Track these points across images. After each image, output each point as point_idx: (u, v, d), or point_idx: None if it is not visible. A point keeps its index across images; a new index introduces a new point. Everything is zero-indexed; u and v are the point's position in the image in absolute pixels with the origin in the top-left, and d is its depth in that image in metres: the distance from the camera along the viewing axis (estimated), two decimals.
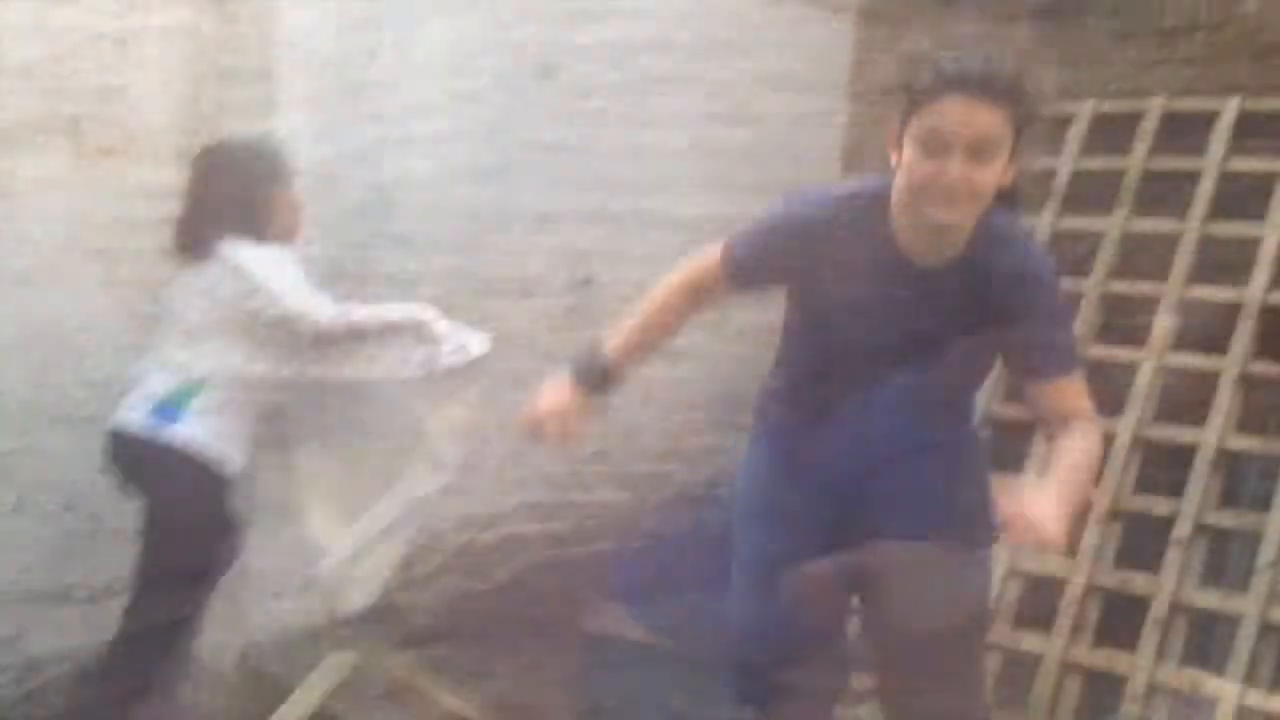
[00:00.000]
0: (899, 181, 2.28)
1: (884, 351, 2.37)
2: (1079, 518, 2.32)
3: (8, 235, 3.55)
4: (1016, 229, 2.39)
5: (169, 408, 3.21)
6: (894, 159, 2.30)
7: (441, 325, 3.29)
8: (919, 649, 2.46)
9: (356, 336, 3.23)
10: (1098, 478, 2.44)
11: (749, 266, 2.47)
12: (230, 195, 3.28)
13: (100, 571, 3.72)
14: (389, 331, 3.25)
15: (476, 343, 3.31)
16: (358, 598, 3.47)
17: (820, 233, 2.37)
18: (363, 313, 3.25)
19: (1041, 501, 2.11)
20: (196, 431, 3.20)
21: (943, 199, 2.20)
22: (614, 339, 2.59)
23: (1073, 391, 2.36)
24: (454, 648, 4.02)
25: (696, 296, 2.55)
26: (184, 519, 3.24)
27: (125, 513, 3.74)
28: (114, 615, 3.69)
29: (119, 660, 3.27)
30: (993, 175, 2.22)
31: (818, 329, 2.46)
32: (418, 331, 3.26)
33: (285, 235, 3.34)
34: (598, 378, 2.56)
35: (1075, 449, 2.30)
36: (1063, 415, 2.34)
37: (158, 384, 3.25)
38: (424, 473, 3.35)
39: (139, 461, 3.25)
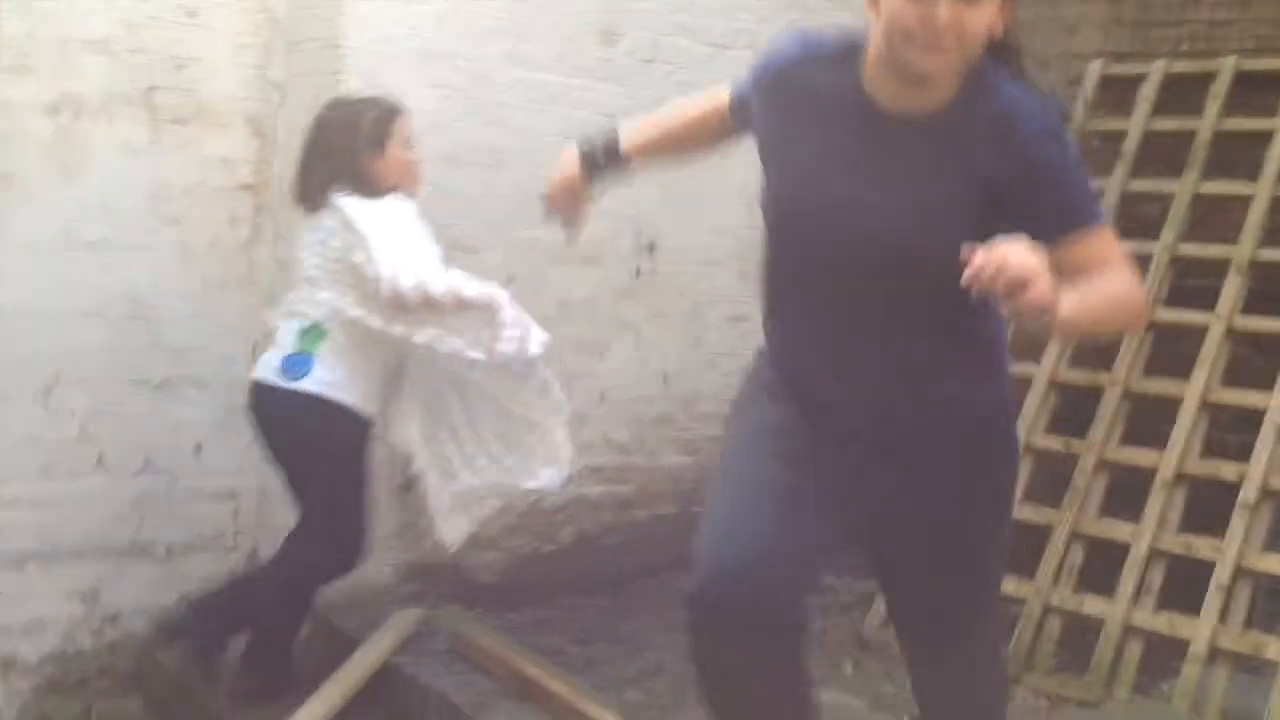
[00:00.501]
0: (879, 29, 2.11)
1: (861, 233, 2.15)
2: (1083, 317, 2.00)
3: (85, 204, 3.66)
4: (1008, 78, 2.15)
5: (299, 356, 3.36)
6: (871, 10, 2.13)
7: (509, 313, 3.32)
8: (941, 582, 2.37)
9: (433, 309, 3.30)
10: (1123, 314, 2.15)
11: (740, 105, 2.40)
12: (339, 149, 3.40)
13: (176, 529, 3.85)
14: (463, 308, 3.31)
15: (535, 340, 3.35)
16: (459, 529, 3.58)
17: (791, 82, 2.25)
18: (441, 287, 3.29)
19: (1027, 252, 1.86)
20: (327, 377, 3.34)
21: (929, 43, 2.04)
22: (631, 130, 2.57)
23: (1098, 243, 2.09)
24: (519, 606, 4.08)
25: (714, 120, 2.49)
26: (328, 462, 3.39)
27: (201, 473, 3.88)
28: (189, 571, 3.85)
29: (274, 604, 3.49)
30: (983, 18, 2.05)
31: (789, 202, 2.26)
32: (487, 313, 3.31)
33: (401, 188, 3.43)
34: (601, 157, 2.57)
35: (1099, 279, 2.04)
36: (1089, 272, 2.04)
37: (286, 334, 3.40)
38: (543, 458, 3.46)
39: (279, 410, 3.38)
